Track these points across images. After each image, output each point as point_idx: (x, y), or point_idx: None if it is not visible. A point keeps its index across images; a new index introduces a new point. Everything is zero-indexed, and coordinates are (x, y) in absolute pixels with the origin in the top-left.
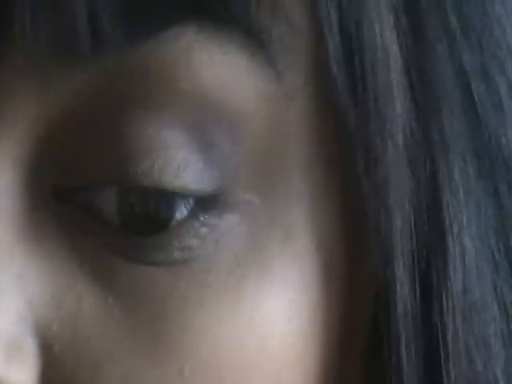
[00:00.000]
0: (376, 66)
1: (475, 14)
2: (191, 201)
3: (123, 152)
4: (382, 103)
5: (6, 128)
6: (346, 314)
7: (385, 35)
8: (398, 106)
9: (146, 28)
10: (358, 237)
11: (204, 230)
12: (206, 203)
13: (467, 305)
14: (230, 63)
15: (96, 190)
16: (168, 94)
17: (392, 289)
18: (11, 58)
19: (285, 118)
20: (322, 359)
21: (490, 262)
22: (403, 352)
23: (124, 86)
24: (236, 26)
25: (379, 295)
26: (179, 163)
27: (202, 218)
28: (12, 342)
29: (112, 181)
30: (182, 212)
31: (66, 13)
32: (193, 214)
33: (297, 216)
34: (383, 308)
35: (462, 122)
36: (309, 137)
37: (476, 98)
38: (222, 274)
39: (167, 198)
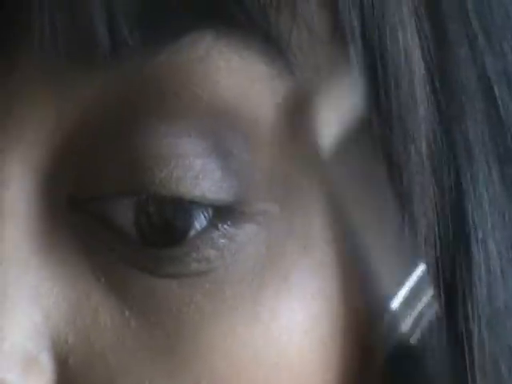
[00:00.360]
0: (399, 73)
1: (497, 17)
2: (210, 210)
3: (140, 161)
4: (405, 110)
5: (24, 135)
6: (365, 325)
7: (407, 41)
8: (420, 113)
9: (164, 33)
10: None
11: (222, 240)
12: (224, 213)
13: (492, 312)
14: (248, 70)
15: (112, 200)
16: (184, 103)
17: None
18: (28, 65)
19: (302, 124)
20: (340, 371)
21: None
22: (429, 361)
23: (140, 94)
24: (254, 31)
25: None
26: (197, 172)
27: (220, 229)
28: (28, 357)
29: (128, 191)
30: (200, 222)
31: (84, 16)
32: (211, 225)
33: (315, 226)
34: None
35: (485, 127)
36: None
37: (499, 102)
38: (239, 286)
39: (185, 208)
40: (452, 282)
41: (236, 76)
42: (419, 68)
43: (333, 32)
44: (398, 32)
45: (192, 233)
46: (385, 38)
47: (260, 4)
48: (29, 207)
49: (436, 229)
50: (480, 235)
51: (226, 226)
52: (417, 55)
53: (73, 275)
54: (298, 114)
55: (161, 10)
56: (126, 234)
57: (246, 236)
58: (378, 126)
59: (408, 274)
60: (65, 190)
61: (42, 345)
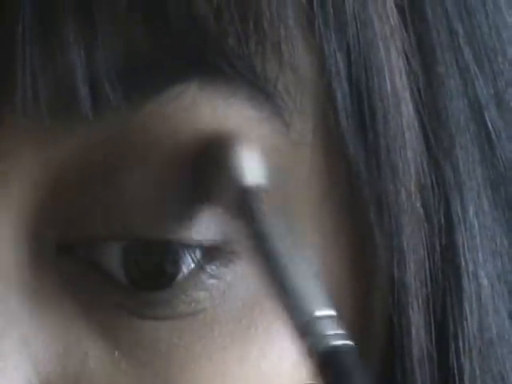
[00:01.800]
0: (387, 114)
1: (488, 39)
2: (198, 252)
3: (126, 207)
4: (394, 150)
5: (9, 186)
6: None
7: (395, 81)
8: (409, 152)
9: (148, 87)
10: (368, 281)
11: (211, 281)
12: (213, 253)
13: (484, 343)
14: (235, 115)
15: (100, 244)
16: (171, 151)
17: (407, 334)
18: (13, 119)
19: (292, 166)
20: None
21: (506, 296)
22: None
23: (125, 144)
24: (241, 79)
25: (394, 340)
26: (184, 214)
27: (209, 270)
28: None
29: (116, 235)
30: (188, 264)
31: (66, 78)
32: (200, 266)
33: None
34: (398, 352)
35: (476, 154)
36: (317, 184)
37: (490, 127)
38: (228, 325)
39: (173, 250)
40: (443, 317)
41: (223, 122)
42: (408, 107)
43: (319, 75)
44: (385, 72)
45: (180, 275)
46: (372, 79)
47: (245, 54)
48: (16, 258)
49: (426, 265)
50: (471, 268)
51: (214, 267)
52: (405, 94)
53: (62, 321)
54: (286, 154)
55: (144, 65)
56: (114, 277)
57: (234, 275)
58: (366, 168)
59: None
60: (52, 237)
61: None
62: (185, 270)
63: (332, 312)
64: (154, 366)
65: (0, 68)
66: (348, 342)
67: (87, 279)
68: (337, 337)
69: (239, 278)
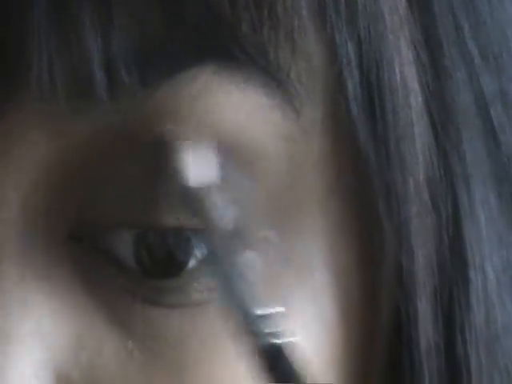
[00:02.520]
0: (396, 105)
1: (493, 35)
2: (210, 239)
3: (139, 193)
4: (403, 141)
5: (22, 173)
6: (365, 350)
7: (405, 72)
8: (418, 143)
9: (163, 71)
10: (376, 271)
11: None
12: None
13: (490, 335)
14: (248, 102)
15: (112, 232)
16: (183, 136)
17: (415, 325)
18: (27, 104)
19: (302, 153)
20: None
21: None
22: None
23: (139, 129)
24: (253, 65)
25: (401, 331)
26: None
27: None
28: None
29: (128, 222)
30: (201, 252)
31: (81, 61)
32: (212, 254)
33: (314, 252)
34: (406, 344)
35: (482, 148)
36: (326, 172)
37: (495, 121)
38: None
39: (185, 238)
40: (450, 308)
41: (235, 109)
42: (417, 98)
43: (331, 64)
44: (395, 64)
45: (192, 263)
46: (382, 70)
47: (259, 42)
48: (29, 244)
49: (434, 256)
50: (478, 260)
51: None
52: (415, 85)
53: (75, 309)
54: (296, 142)
55: (158, 48)
56: (126, 265)
57: (245, 264)
58: (375, 158)
59: None
60: (65, 224)
61: (46, 382)
62: (197, 256)
63: (276, 309)
64: (166, 356)
65: (15, 52)
66: (289, 340)
67: (99, 267)
68: (278, 334)
69: (250, 267)
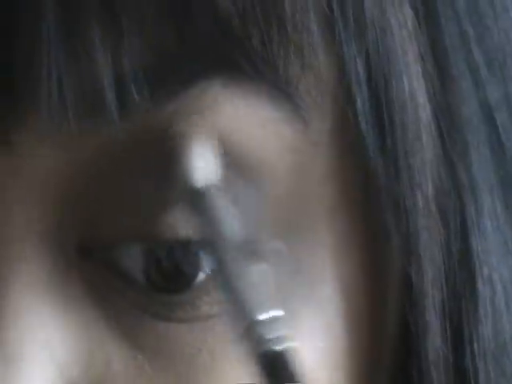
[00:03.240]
0: (405, 119)
1: (498, 42)
2: (219, 253)
3: (148, 208)
4: (412, 155)
5: (32, 190)
6: (373, 361)
7: (413, 85)
8: (427, 156)
9: (173, 87)
10: (384, 284)
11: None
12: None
13: (498, 346)
14: (256, 115)
15: (121, 247)
16: (191, 151)
17: (423, 338)
18: (38, 120)
19: (310, 165)
20: None
21: None
22: None
23: (149, 145)
24: (262, 79)
25: (409, 343)
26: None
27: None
28: None
29: (137, 238)
30: (210, 265)
31: (91, 79)
32: (221, 267)
33: (321, 263)
34: (414, 356)
35: (488, 156)
36: (334, 184)
37: (500, 129)
38: None
39: (194, 252)
40: (458, 321)
41: (244, 122)
42: (425, 111)
43: (340, 79)
44: (403, 77)
45: (202, 276)
46: (390, 84)
47: (268, 57)
48: (39, 262)
49: (442, 269)
50: (486, 272)
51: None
52: (423, 98)
53: (85, 324)
54: (304, 153)
55: (169, 64)
56: (135, 280)
57: (255, 276)
58: (384, 172)
59: None
60: (74, 240)
61: None
62: (206, 270)
63: (277, 313)
64: (176, 369)
65: (25, 72)
66: (289, 345)
67: (108, 282)
68: (279, 340)
69: (259, 279)
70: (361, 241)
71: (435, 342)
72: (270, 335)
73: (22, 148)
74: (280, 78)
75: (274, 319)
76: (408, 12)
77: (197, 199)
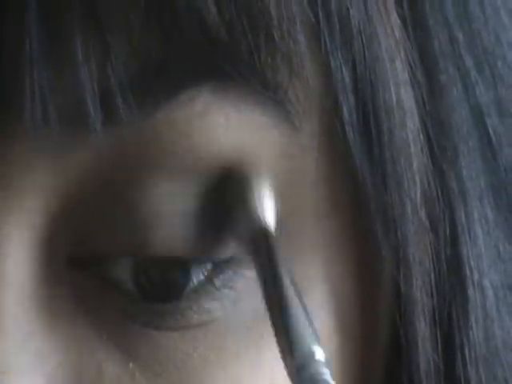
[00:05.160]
0: (392, 126)
1: (488, 45)
2: (209, 264)
3: (138, 221)
4: (399, 162)
5: (20, 202)
6: (364, 368)
7: (400, 93)
8: (415, 163)
9: (160, 95)
10: (374, 290)
11: (222, 291)
12: (223, 264)
13: (490, 352)
14: (246, 122)
15: (111, 258)
16: (183, 161)
17: (414, 346)
18: (25, 134)
19: (299, 171)
20: None
21: (510, 302)
22: None
23: (138, 153)
24: (251, 86)
25: (400, 351)
26: (196, 229)
27: (219, 280)
28: None
29: (127, 250)
30: (199, 276)
31: (75, 91)
32: (210, 277)
33: (312, 269)
34: (405, 365)
35: (478, 162)
36: (323, 191)
37: (491, 133)
38: (241, 334)
39: (184, 262)
40: (449, 328)
41: (234, 130)
42: (413, 118)
43: (326, 88)
44: (390, 85)
45: (191, 287)
46: (377, 92)
47: (256, 65)
48: (29, 273)
49: (432, 276)
50: (476, 277)
51: (225, 276)
52: (411, 105)
53: (76, 335)
54: (294, 158)
55: (155, 73)
56: (125, 290)
57: (245, 283)
58: (372, 179)
59: None
60: (64, 251)
61: None
62: (195, 280)
63: (324, 357)
64: (168, 376)
65: (9, 84)
66: None
67: (98, 292)
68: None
69: (249, 285)
70: (351, 248)
71: (426, 349)
72: (323, 376)
73: (10, 163)
74: (268, 84)
75: (326, 360)
76: (395, 20)
77: (186, 214)
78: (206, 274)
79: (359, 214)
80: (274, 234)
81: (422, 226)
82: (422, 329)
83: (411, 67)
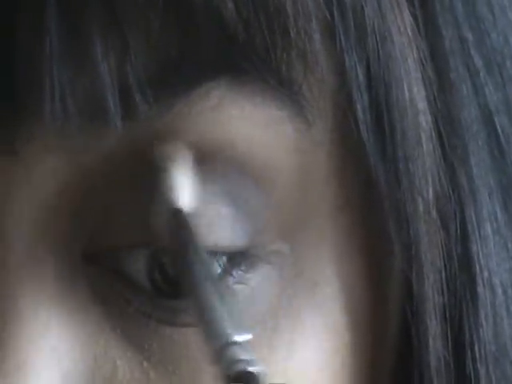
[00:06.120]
0: (405, 125)
1: (497, 45)
2: (223, 257)
3: (152, 213)
4: (412, 161)
5: (37, 197)
6: (374, 363)
7: (413, 91)
8: (427, 161)
9: (177, 90)
10: (385, 287)
11: (237, 286)
12: (238, 258)
13: (499, 349)
14: (261, 115)
15: (126, 253)
16: (197, 152)
17: (425, 343)
18: (40, 132)
19: (312, 166)
20: None
21: None
22: None
23: (153, 147)
24: (267, 81)
25: (411, 347)
26: (210, 219)
27: (234, 274)
28: None
29: (142, 243)
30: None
31: (94, 88)
32: (225, 271)
33: (324, 263)
34: (416, 362)
35: (487, 160)
36: (336, 188)
37: (500, 132)
38: (255, 329)
39: None
40: (459, 325)
41: (248, 123)
42: (425, 117)
43: (341, 86)
44: (403, 84)
45: None
46: (391, 90)
47: (272, 61)
48: (45, 270)
49: (443, 274)
50: (486, 275)
51: (240, 271)
52: (423, 104)
53: (91, 331)
54: (307, 153)
55: (173, 68)
56: (140, 285)
57: (259, 278)
58: (385, 177)
59: None
60: (79, 246)
61: None
62: None
63: (247, 336)
64: (182, 374)
65: (29, 83)
66: (261, 368)
67: (113, 288)
68: (251, 362)
69: (264, 281)
70: (363, 244)
71: (436, 346)
72: (244, 356)
73: (27, 158)
74: (283, 80)
75: (247, 342)
76: (407, 18)
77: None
78: (221, 267)
79: (371, 211)
80: (188, 215)
81: (433, 224)
82: (433, 326)
83: (423, 65)
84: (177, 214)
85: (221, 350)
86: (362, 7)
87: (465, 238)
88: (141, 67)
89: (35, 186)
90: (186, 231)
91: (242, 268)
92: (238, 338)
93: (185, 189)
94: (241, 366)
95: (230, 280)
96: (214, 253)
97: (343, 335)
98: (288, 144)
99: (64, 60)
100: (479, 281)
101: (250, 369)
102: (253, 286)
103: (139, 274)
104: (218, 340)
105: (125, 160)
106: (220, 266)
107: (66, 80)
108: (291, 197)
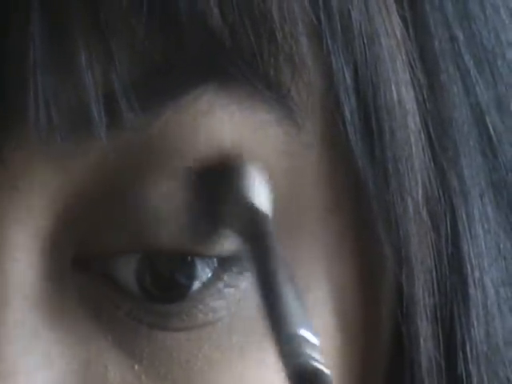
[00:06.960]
0: (394, 126)
1: (488, 44)
2: (214, 261)
3: (142, 219)
4: (401, 162)
5: (25, 204)
6: (365, 365)
7: (402, 93)
8: (416, 162)
9: (164, 97)
10: (375, 289)
11: (227, 290)
12: (228, 262)
13: (491, 349)
14: (250, 120)
15: (115, 259)
16: (187, 159)
17: (416, 344)
18: (26, 138)
19: (302, 169)
20: None
21: (511, 299)
22: None
23: (142, 155)
24: (255, 86)
25: (402, 349)
26: (198, 225)
27: (225, 279)
28: None
29: (131, 249)
30: (205, 274)
31: (79, 98)
32: (216, 276)
33: (315, 265)
34: (407, 363)
35: (479, 160)
36: (325, 190)
37: (491, 131)
38: (245, 333)
39: (188, 262)
40: (450, 326)
41: (238, 128)
42: (414, 118)
43: (328, 88)
44: (391, 85)
45: (197, 285)
46: (379, 92)
47: (259, 65)
48: (35, 275)
49: (434, 275)
50: (477, 276)
51: (230, 275)
52: (412, 105)
53: (82, 336)
54: (297, 157)
55: (159, 76)
56: (131, 291)
57: (249, 282)
58: (374, 179)
59: None
60: (69, 252)
61: None
62: (201, 279)
63: (317, 341)
64: (173, 377)
65: (13, 90)
66: (327, 370)
67: (104, 294)
68: (318, 362)
69: (253, 284)
70: (353, 247)
71: (427, 346)
72: (312, 353)
73: (14, 165)
74: (271, 84)
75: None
76: (396, 20)
77: (191, 213)
78: (211, 272)
79: (361, 212)
80: (269, 217)
81: (423, 225)
82: (424, 327)
83: (412, 67)
84: (257, 215)
85: (292, 345)
86: (349, 10)
87: (456, 238)
88: (126, 75)
89: (22, 193)
90: (269, 233)
91: (233, 271)
92: (311, 338)
93: (261, 190)
94: (310, 360)
95: (221, 284)
96: (204, 258)
97: (334, 337)
98: (278, 147)
99: (48, 68)
100: (470, 281)
101: (320, 367)
102: (243, 290)
103: (130, 280)
104: (290, 328)
105: (113, 167)
106: (210, 269)
107: (50, 87)
108: (282, 199)
